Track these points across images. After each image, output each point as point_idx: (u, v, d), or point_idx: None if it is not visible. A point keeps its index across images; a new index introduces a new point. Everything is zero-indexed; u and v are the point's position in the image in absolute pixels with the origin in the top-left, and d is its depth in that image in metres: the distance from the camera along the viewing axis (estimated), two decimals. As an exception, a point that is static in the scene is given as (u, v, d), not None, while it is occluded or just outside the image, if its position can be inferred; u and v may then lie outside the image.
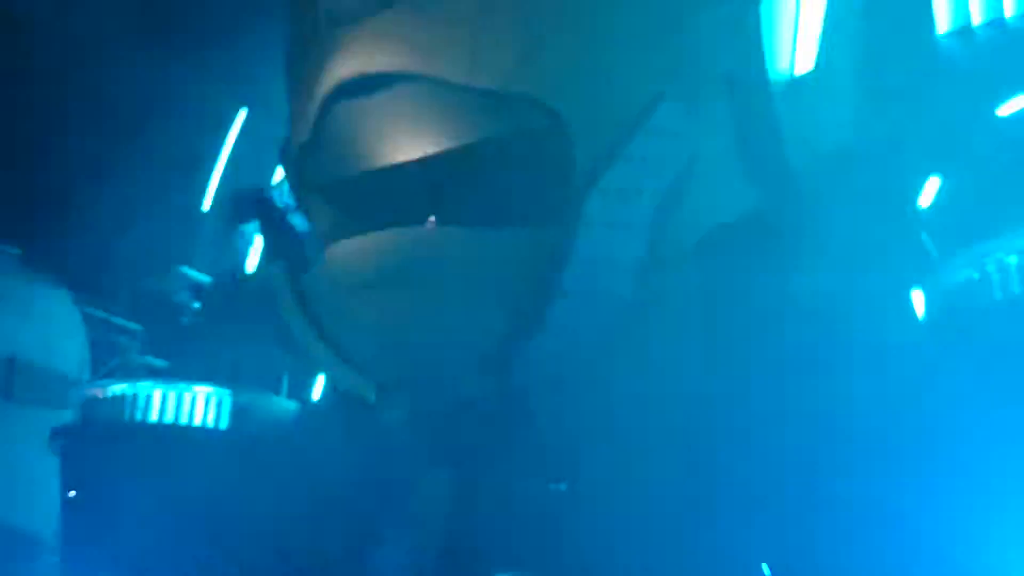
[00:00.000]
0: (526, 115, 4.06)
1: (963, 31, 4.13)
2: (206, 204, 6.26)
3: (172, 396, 5.78)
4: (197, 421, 5.62)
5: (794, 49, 4.26)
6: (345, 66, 4.21)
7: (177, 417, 5.52)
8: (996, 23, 4.10)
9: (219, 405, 5.54)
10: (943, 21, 4.10)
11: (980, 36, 4.22)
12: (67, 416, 6.06)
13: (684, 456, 3.96)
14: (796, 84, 4.25)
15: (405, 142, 4.26)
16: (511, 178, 4.25)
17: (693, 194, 4.06)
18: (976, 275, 4.37)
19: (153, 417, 5.58)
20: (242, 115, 6.79)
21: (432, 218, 4.24)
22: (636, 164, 4.13)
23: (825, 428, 4.00)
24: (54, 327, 6.53)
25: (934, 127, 4.13)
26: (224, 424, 5.62)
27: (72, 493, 5.78)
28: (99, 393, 6.07)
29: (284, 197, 5.11)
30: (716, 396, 4.01)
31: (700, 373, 4.05)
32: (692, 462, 3.97)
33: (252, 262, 6.24)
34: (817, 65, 4.20)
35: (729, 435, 3.98)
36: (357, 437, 4.86)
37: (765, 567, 3.97)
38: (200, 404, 5.61)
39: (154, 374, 6.33)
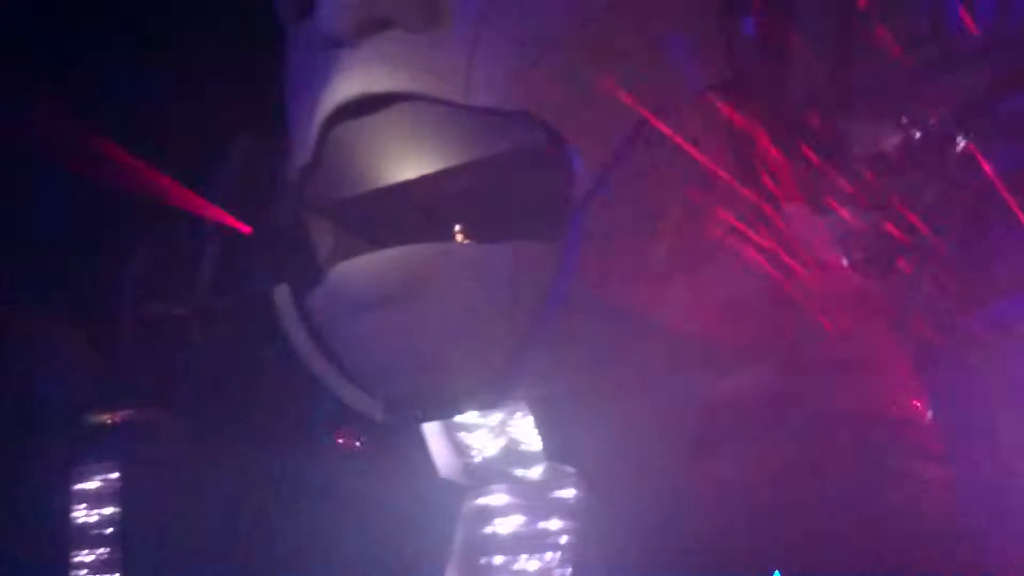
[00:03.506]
0: (523, 132, 4.19)
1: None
2: (209, 226, 6.40)
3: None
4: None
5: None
6: (345, 87, 4.28)
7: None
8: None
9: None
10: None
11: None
12: (81, 444, 6.23)
13: None
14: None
15: (405, 161, 4.33)
16: (512, 194, 4.39)
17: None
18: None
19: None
20: (245, 140, 6.92)
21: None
22: (635, 177, 4.28)
23: None
24: (63, 355, 6.65)
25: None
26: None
27: (84, 520, 5.94)
28: (110, 419, 6.20)
29: (286, 219, 5.24)
30: None
31: None
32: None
33: (255, 284, 6.38)
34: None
35: None
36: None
37: None
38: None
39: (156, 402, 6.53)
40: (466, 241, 4.63)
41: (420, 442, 5.10)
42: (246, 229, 6.24)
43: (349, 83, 4.38)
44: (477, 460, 4.99)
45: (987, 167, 4.01)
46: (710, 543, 4.04)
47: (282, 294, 4.71)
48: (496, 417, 4.86)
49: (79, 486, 6.11)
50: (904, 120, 4.26)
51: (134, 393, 6.56)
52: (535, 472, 4.95)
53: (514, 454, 4.92)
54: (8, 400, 6.60)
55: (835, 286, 4.44)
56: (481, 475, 5.00)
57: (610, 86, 4.25)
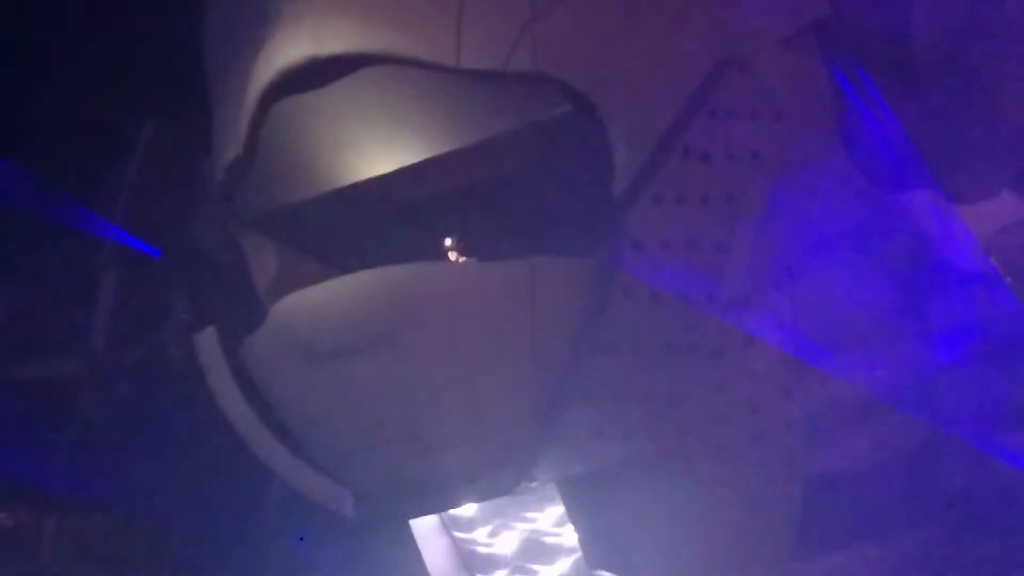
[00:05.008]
0: (540, 101, 3.83)
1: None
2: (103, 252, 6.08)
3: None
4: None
5: None
6: (289, 50, 3.95)
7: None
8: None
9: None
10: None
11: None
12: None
13: None
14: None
15: (373, 150, 3.99)
16: (529, 189, 3.98)
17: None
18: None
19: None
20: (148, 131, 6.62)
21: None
22: (698, 160, 3.89)
23: None
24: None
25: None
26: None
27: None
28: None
29: (210, 236, 4.92)
30: None
31: None
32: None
33: (168, 329, 6.09)
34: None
35: None
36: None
37: None
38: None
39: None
40: (464, 259, 4.26)
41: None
42: (154, 253, 5.85)
43: (294, 44, 4.02)
44: (482, 553, 4.59)
45: None
46: None
47: (207, 341, 4.35)
48: (512, 507, 4.42)
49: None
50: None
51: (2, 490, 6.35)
52: (561, 566, 4.53)
53: (536, 550, 4.48)
54: None
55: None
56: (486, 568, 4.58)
57: (660, 31, 3.89)
